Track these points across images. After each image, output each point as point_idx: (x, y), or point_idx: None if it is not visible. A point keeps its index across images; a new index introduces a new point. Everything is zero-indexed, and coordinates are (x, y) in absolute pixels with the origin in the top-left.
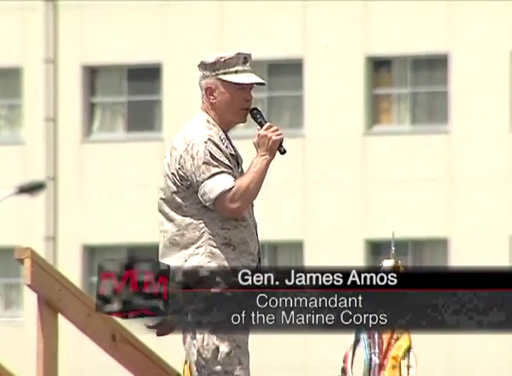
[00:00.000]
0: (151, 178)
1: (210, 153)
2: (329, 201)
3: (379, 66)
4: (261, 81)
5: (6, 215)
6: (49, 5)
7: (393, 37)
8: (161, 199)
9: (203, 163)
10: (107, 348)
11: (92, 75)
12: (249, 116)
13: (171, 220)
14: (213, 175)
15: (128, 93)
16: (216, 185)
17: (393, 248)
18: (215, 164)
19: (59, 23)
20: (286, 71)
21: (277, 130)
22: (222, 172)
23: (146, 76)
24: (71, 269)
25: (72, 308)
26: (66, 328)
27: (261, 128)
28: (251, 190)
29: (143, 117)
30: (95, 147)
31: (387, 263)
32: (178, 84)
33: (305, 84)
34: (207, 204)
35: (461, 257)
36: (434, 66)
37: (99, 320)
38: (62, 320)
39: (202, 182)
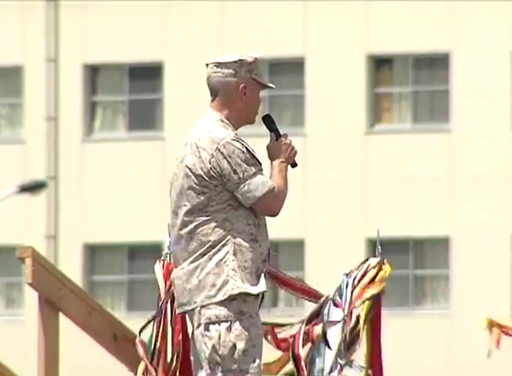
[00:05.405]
0: (152, 178)
1: (248, 151)
2: (330, 200)
3: (380, 65)
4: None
5: (7, 214)
6: (50, 4)
7: (394, 35)
8: (186, 213)
9: (243, 161)
10: (108, 347)
11: (93, 74)
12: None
13: (194, 226)
14: (255, 174)
15: (129, 92)
16: (261, 183)
17: (379, 247)
18: (253, 162)
19: (60, 22)
20: (288, 70)
21: (291, 142)
22: (261, 170)
23: (147, 75)
24: (72, 267)
25: (73, 306)
26: (67, 327)
27: (276, 135)
28: (286, 191)
29: (144, 116)
30: (96, 146)
31: (373, 261)
32: (179, 82)
33: (306, 83)
34: (249, 202)
35: (462, 256)
36: (435, 65)
37: (100, 319)
38: (63, 319)
39: (246, 180)
